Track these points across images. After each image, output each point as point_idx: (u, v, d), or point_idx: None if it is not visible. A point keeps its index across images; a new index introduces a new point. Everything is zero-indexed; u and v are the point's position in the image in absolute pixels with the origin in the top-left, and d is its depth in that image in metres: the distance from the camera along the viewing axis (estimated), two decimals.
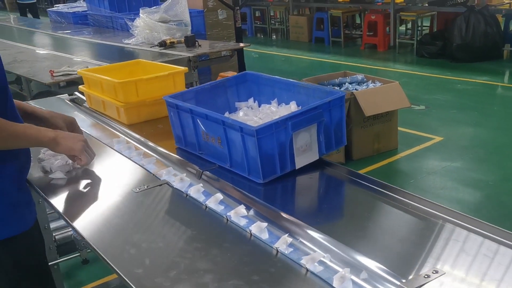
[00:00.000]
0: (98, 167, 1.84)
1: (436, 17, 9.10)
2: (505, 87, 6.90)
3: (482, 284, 1.13)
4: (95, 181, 1.76)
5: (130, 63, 2.65)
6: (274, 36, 11.80)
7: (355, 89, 4.57)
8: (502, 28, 8.32)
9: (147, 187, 1.66)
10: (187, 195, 1.61)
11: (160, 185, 1.68)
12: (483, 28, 7.80)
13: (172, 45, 4.69)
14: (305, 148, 1.71)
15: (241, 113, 2.03)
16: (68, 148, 1.65)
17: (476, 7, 8.16)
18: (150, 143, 2.04)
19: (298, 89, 1.95)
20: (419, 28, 9.85)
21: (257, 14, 12.20)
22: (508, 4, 9.79)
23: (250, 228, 1.37)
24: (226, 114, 2.03)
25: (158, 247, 1.34)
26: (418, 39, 8.80)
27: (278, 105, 2.00)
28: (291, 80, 2.01)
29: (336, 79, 4.79)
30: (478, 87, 6.73)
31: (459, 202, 3.81)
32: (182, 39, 4.70)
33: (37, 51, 5.21)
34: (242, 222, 1.41)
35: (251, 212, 1.46)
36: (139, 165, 1.85)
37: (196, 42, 4.64)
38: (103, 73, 2.43)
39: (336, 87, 4.65)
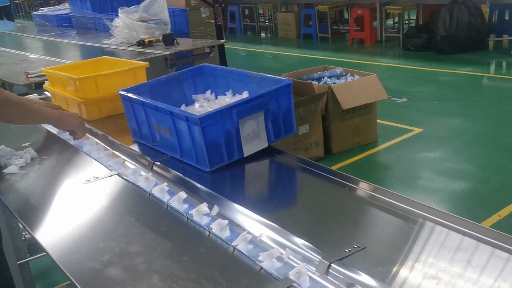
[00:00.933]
0: (54, 162, 1.88)
1: (421, 10, 9.14)
2: (488, 78, 6.94)
3: (400, 258, 1.16)
4: (48, 175, 1.79)
5: (95, 60, 2.68)
6: (263, 34, 11.83)
7: (334, 83, 4.60)
8: (487, 18, 8.36)
9: (97, 178, 1.70)
10: (133, 184, 1.64)
11: (110, 176, 1.72)
12: (467, 19, 7.83)
13: (150, 44, 4.72)
14: (253, 136, 1.74)
15: (197, 105, 2.06)
16: (70, 124, 1.91)
17: None
18: (110, 138, 2.07)
19: (250, 80, 1.99)
20: (406, 22, 9.90)
21: (247, 12, 12.23)
22: None
23: (211, 226, 1.33)
24: (183, 107, 2.06)
25: (97, 233, 1.37)
26: (404, 32, 8.84)
27: (233, 95, 2.03)
28: (244, 70, 2.04)
29: (315, 73, 4.82)
30: (461, 78, 6.77)
31: (434, 191, 3.85)
32: (161, 38, 4.73)
33: (17, 54, 5.24)
34: (205, 221, 1.38)
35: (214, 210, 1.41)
36: (94, 158, 1.89)
37: (175, 40, 4.67)
38: (67, 70, 2.45)
39: (315, 82, 4.68)
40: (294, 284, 1.10)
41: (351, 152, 4.60)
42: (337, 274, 1.12)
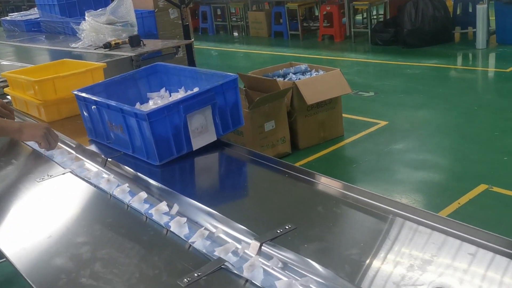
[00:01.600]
0: (8, 164, 1.94)
1: (388, 5, 9.31)
2: (453, 69, 7.11)
3: (326, 237, 1.25)
4: (4, 176, 1.85)
5: (55, 63, 2.73)
6: (236, 33, 11.90)
7: (299, 79, 4.70)
8: (451, 11, 8.56)
9: (50, 176, 1.76)
10: (87, 181, 1.71)
11: (64, 173, 1.78)
12: (432, 12, 8.01)
13: (117, 46, 4.76)
14: (201, 130, 1.82)
15: (151, 103, 2.13)
16: (31, 135, 1.88)
17: None
18: (66, 137, 2.12)
19: (200, 76, 2.07)
20: (375, 17, 10.07)
21: (219, 12, 12.28)
22: None
23: (169, 224, 1.37)
24: (138, 105, 2.13)
25: (49, 228, 1.44)
26: (371, 27, 8.99)
27: (185, 92, 2.11)
28: (195, 68, 2.12)
29: (281, 70, 4.92)
30: (426, 71, 6.93)
31: (397, 182, 3.97)
32: (127, 40, 4.77)
33: None
34: (164, 220, 1.41)
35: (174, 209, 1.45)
36: (49, 157, 1.95)
37: (141, 42, 4.71)
38: (28, 74, 2.50)
39: (280, 78, 4.77)
40: (226, 264, 1.18)
41: (318, 147, 4.70)
42: (268, 253, 1.20)
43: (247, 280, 1.13)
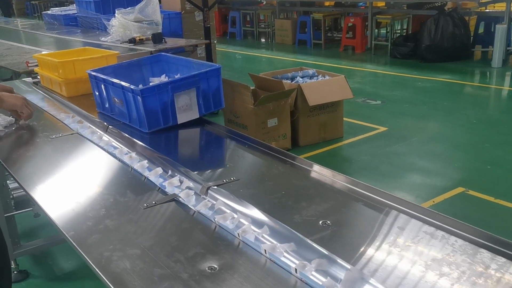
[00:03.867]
0: (35, 127, 2.38)
1: (411, 20, 9.59)
2: (462, 85, 7.36)
3: (259, 186, 1.64)
4: (31, 137, 2.29)
5: (78, 49, 3.19)
6: (264, 40, 12.33)
7: (305, 82, 5.08)
8: (473, 30, 8.78)
9: (61, 135, 2.20)
10: (91, 141, 2.14)
11: (72, 133, 2.22)
12: (451, 29, 8.27)
13: (141, 42, 5.23)
14: (186, 108, 2.23)
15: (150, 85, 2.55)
16: (11, 104, 2.20)
17: (446, 10, 8.63)
18: (80, 109, 2.56)
19: (192, 65, 2.48)
20: (398, 31, 10.36)
21: (248, 18, 12.74)
22: (483, 7, 10.23)
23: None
24: (140, 86, 2.55)
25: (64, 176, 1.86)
26: (392, 41, 9.29)
27: None
28: (189, 59, 2.54)
29: (289, 73, 5.30)
30: (436, 85, 7.21)
31: (382, 178, 4.29)
32: (150, 37, 5.24)
33: (23, 47, 5.78)
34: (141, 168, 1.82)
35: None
36: (64, 123, 2.38)
37: (163, 39, 5.17)
38: (54, 57, 2.96)
39: (288, 80, 5.16)
40: (180, 199, 1.57)
41: (317, 146, 5.06)
42: (213, 195, 1.59)
43: (195, 212, 1.52)
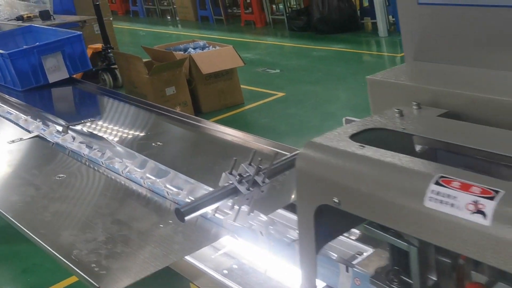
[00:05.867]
0: None
1: None
2: (353, 53, 7.79)
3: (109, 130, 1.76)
4: None
5: None
6: (169, 17, 12.24)
7: (197, 52, 5.20)
8: (358, 3, 9.30)
9: None
10: None
11: None
12: (336, 3, 8.68)
13: (29, 19, 5.11)
14: (55, 69, 2.32)
15: None
16: None
17: None
18: None
19: (59, 34, 2.59)
20: (296, 6, 10.67)
21: None
22: None
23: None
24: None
25: None
26: (287, 15, 9.60)
27: None
28: (56, 29, 2.63)
29: (182, 45, 5.40)
30: (330, 54, 7.59)
31: (279, 136, 4.53)
32: (38, 14, 5.13)
33: None
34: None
35: None
36: None
37: (51, 16, 5.09)
38: None
39: (181, 52, 5.25)
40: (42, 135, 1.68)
41: (220, 112, 5.23)
42: (72, 134, 1.70)
43: (54, 144, 1.65)
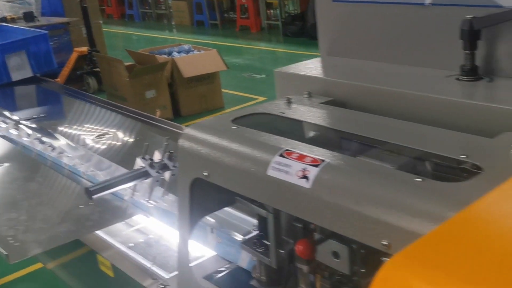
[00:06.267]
0: None
1: (299, 0, 10.02)
2: None
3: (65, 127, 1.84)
4: None
5: None
6: (166, 21, 12.34)
7: (180, 56, 5.27)
8: None
9: None
10: None
11: None
12: None
13: (13, 20, 5.21)
14: (18, 67, 2.38)
15: None
16: None
17: None
18: None
19: (27, 33, 2.65)
20: (291, 11, 10.75)
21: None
22: None
23: None
24: None
25: None
26: (282, 21, 9.69)
27: None
28: (24, 28, 2.71)
29: (166, 49, 5.48)
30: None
31: None
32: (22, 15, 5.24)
33: None
34: None
35: None
36: None
37: (35, 18, 5.19)
38: None
39: (165, 55, 5.34)
40: None
41: (199, 115, 5.28)
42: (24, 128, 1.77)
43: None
